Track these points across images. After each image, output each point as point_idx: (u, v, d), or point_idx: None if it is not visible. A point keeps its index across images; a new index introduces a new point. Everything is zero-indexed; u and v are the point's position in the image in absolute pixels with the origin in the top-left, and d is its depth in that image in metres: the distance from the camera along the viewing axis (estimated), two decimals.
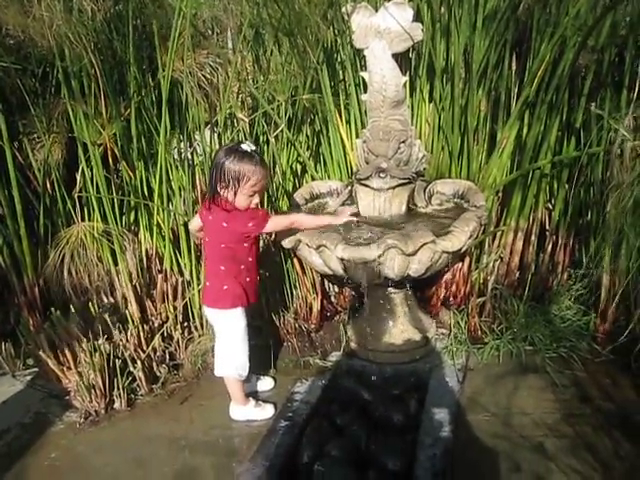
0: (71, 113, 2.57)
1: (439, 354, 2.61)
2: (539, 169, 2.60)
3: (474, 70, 2.50)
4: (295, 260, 2.79)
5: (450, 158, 2.73)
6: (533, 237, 2.78)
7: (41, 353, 2.58)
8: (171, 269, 2.79)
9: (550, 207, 2.84)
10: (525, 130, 2.67)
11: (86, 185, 2.71)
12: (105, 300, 2.65)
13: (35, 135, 2.76)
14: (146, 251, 2.83)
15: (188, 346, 2.68)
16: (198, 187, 2.69)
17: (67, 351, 2.54)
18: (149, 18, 2.58)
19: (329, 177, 2.88)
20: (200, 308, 2.72)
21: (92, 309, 2.62)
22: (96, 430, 2.36)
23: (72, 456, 2.21)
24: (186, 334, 2.72)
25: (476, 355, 2.57)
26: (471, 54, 2.51)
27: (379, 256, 2.11)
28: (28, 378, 2.76)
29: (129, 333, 2.57)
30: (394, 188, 2.53)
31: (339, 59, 2.78)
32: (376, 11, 2.43)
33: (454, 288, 2.81)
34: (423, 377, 2.48)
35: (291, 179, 2.91)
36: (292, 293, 2.89)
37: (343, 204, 2.68)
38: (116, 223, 2.71)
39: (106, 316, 2.57)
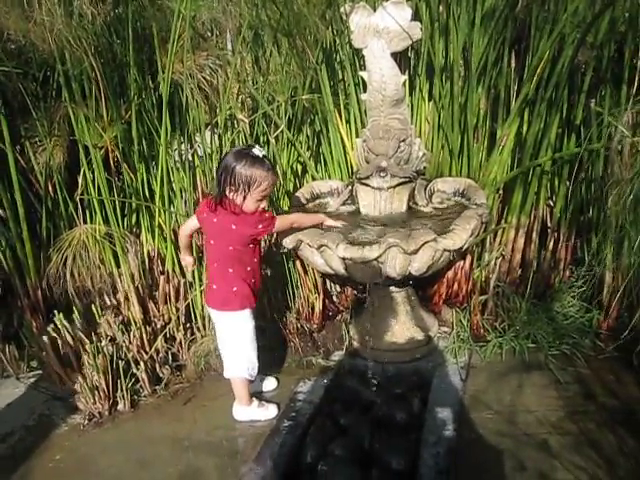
0: (72, 116, 2.57)
1: (442, 352, 2.62)
2: (539, 166, 2.60)
3: (473, 68, 2.50)
4: (297, 260, 2.79)
5: (450, 156, 2.73)
6: (534, 234, 2.77)
7: (44, 355, 2.60)
8: (173, 270, 2.79)
9: (551, 204, 2.83)
10: (525, 127, 2.66)
11: (88, 188, 2.72)
12: (108, 302, 2.65)
13: (37, 138, 2.77)
14: (148, 253, 2.84)
15: (191, 347, 2.68)
16: (199, 188, 2.70)
17: (70, 353, 2.55)
18: (148, 21, 2.59)
19: (329, 177, 2.89)
20: (202, 309, 2.73)
21: (95, 311, 2.62)
22: (100, 431, 2.37)
23: (76, 458, 2.22)
24: (188, 335, 2.72)
25: (479, 353, 2.57)
26: (470, 52, 2.51)
27: (380, 255, 2.11)
28: (32, 380, 2.77)
29: (132, 335, 2.58)
30: (394, 187, 2.53)
31: (338, 59, 2.78)
32: (374, 11, 2.44)
33: (456, 286, 2.81)
34: (426, 376, 2.48)
35: (292, 179, 2.91)
36: (294, 293, 2.89)
37: (344, 203, 2.69)
38: (118, 225, 2.72)
39: (109, 318, 2.57)
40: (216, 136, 2.69)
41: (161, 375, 2.62)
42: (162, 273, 2.78)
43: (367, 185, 2.56)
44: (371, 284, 2.47)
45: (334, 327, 2.89)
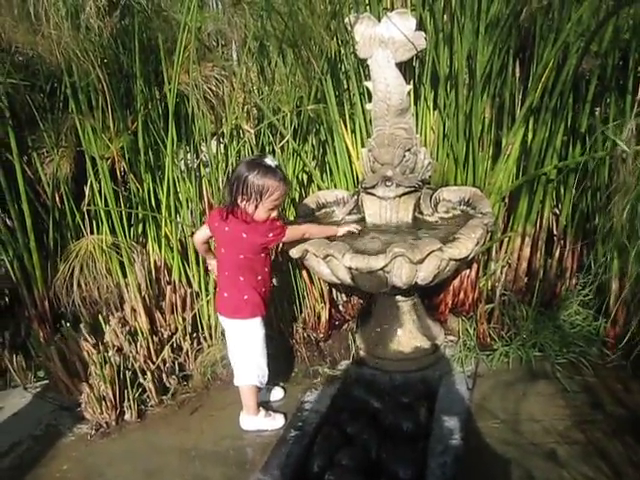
0: (79, 127, 2.60)
1: (448, 361, 2.61)
2: (545, 174, 2.60)
3: (478, 77, 2.51)
4: (303, 270, 2.80)
5: (456, 165, 2.74)
6: (540, 243, 2.77)
7: (52, 365, 2.60)
8: (179, 280, 2.80)
9: (557, 212, 2.83)
10: (530, 135, 2.66)
11: (95, 198, 2.74)
12: (115, 312, 2.66)
13: (44, 150, 2.79)
14: (154, 263, 2.84)
15: (197, 357, 2.69)
16: (205, 198, 2.71)
17: (77, 363, 2.56)
18: (155, 32, 2.61)
19: (335, 186, 2.89)
20: (209, 319, 2.74)
21: (102, 321, 2.63)
22: (107, 441, 2.37)
23: (83, 468, 2.23)
24: (195, 345, 2.73)
25: (485, 362, 2.56)
26: (475, 61, 2.51)
27: (386, 265, 2.11)
28: (39, 390, 2.78)
29: (139, 345, 2.59)
30: (400, 196, 2.54)
31: (343, 69, 2.79)
32: (379, 21, 2.45)
33: (462, 295, 2.81)
34: (432, 385, 2.47)
35: (297, 189, 2.92)
36: (300, 303, 2.89)
37: (349, 213, 2.69)
38: (124, 235, 2.74)
39: (116, 328, 2.58)
40: (222, 146, 2.70)
41: (168, 385, 2.63)
42: (169, 283, 2.79)
43: (373, 194, 2.56)
44: (377, 293, 2.46)
45: (340, 336, 2.88)
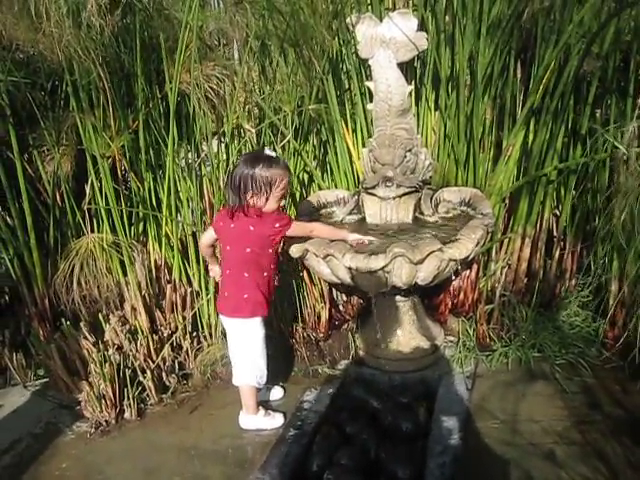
0: (80, 126, 2.59)
1: (447, 362, 2.61)
2: (545, 176, 2.60)
3: (479, 78, 2.51)
4: (303, 269, 2.80)
5: (456, 166, 2.74)
6: (540, 244, 2.78)
7: (52, 363, 2.61)
8: (180, 279, 2.80)
9: (557, 213, 2.84)
10: (531, 137, 2.67)
11: (95, 197, 2.74)
12: (115, 311, 2.66)
13: (45, 148, 2.79)
14: (155, 262, 2.85)
15: (197, 356, 2.69)
16: (206, 197, 2.71)
17: (77, 361, 2.56)
18: (156, 31, 2.61)
19: (336, 186, 2.89)
20: (209, 318, 2.74)
21: (102, 320, 2.63)
22: (106, 440, 2.37)
23: (83, 466, 2.23)
24: (195, 344, 2.73)
25: (485, 362, 2.57)
26: (476, 62, 2.52)
27: (386, 265, 2.12)
28: (39, 388, 2.78)
29: (139, 343, 2.59)
30: (400, 197, 2.55)
31: (344, 69, 2.79)
32: (381, 21, 2.45)
33: (462, 295, 2.82)
34: (432, 385, 2.48)
35: (298, 188, 2.92)
36: (300, 302, 2.90)
37: (350, 213, 2.70)
38: (125, 234, 2.74)
39: (116, 326, 2.58)
40: (223, 145, 2.70)
41: (168, 384, 2.63)
42: (169, 282, 2.79)
43: (373, 195, 2.57)
44: (377, 293, 2.47)
45: (340, 336, 2.89)
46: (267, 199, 2.09)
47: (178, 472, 2.13)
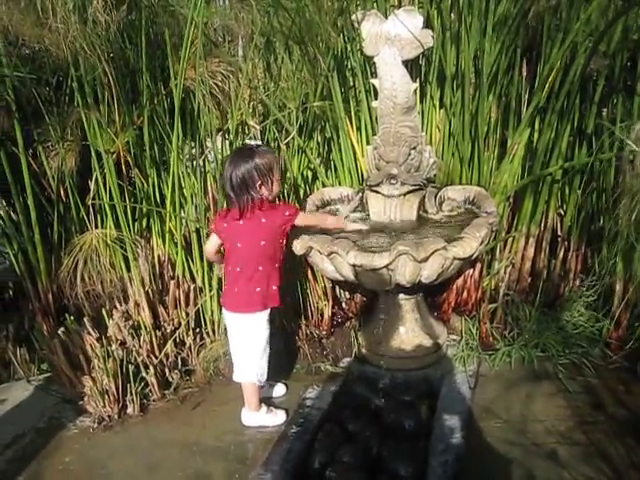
0: (85, 121, 2.60)
1: (450, 360, 2.61)
2: (550, 175, 2.59)
3: (484, 76, 2.50)
4: (307, 267, 2.80)
5: (461, 164, 2.73)
6: (545, 243, 2.77)
7: (55, 358, 2.61)
8: (183, 275, 2.80)
9: (562, 213, 2.82)
10: (536, 136, 2.66)
11: (99, 192, 2.74)
12: (118, 306, 2.67)
13: (50, 143, 2.79)
14: (158, 257, 2.85)
15: (200, 352, 2.70)
16: (210, 194, 2.71)
17: (81, 356, 2.57)
18: (161, 27, 2.61)
19: (340, 183, 2.89)
20: (212, 314, 2.74)
21: (105, 315, 2.64)
22: (109, 435, 2.38)
23: (86, 461, 2.24)
24: (198, 340, 2.73)
25: (487, 361, 2.56)
26: (481, 60, 2.51)
27: (391, 263, 2.11)
28: (42, 383, 2.79)
29: (142, 339, 2.59)
30: (405, 194, 2.54)
31: (349, 66, 2.79)
32: (386, 18, 2.45)
33: (465, 294, 2.80)
34: (434, 383, 2.48)
35: (302, 185, 2.92)
36: (303, 299, 2.89)
37: (354, 210, 2.69)
38: (129, 230, 2.74)
39: (119, 322, 2.59)
40: (227, 142, 2.70)
41: (170, 380, 2.63)
42: (172, 278, 2.79)
43: (377, 192, 2.56)
44: (381, 291, 2.47)
45: (343, 334, 2.88)
46: (272, 183, 2.15)
47: (180, 468, 2.13)
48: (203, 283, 2.76)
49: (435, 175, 2.72)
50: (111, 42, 2.50)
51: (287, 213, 2.17)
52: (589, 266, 2.79)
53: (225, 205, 2.39)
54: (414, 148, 2.52)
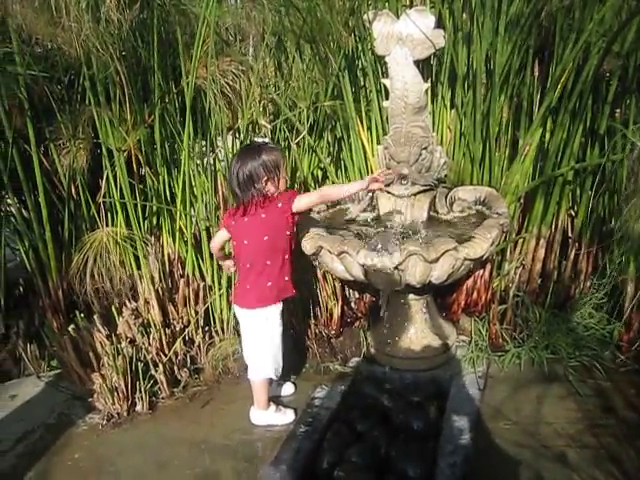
0: (97, 120, 2.61)
1: (459, 361, 2.60)
2: (562, 176, 2.58)
3: (496, 76, 2.49)
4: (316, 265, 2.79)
5: (472, 164, 2.72)
6: (555, 244, 2.75)
7: (65, 355, 2.63)
8: (193, 274, 2.81)
9: (573, 214, 2.81)
10: (548, 136, 2.64)
11: (110, 190, 2.75)
12: (128, 304, 2.68)
13: (61, 141, 2.80)
14: (168, 256, 2.86)
15: (209, 350, 2.70)
16: (220, 192, 2.72)
17: (91, 353, 2.58)
18: (173, 26, 2.61)
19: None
20: (221, 313, 2.75)
21: (115, 312, 2.65)
22: (118, 432, 2.39)
23: (95, 457, 2.25)
24: (207, 338, 2.74)
25: (497, 363, 2.56)
26: (493, 60, 2.50)
27: (401, 263, 2.11)
28: (52, 379, 2.81)
29: (151, 337, 2.60)
30: (415, 194, 2.54)
31: (360, 66, 2.78)
32: (398, 18, 2.44)
33: (475, 295, 2.79)
34: (443, 384, 2.47)
35: (312, 185, 2.92)
36: (313, 299, 2.89)
37: (364, 210, 2.69)
38: (139, 228, 2.75)
39: (129, 319, 2.60)
40: (238, 141, 2.70)
41: (179, 378, 2.64)
42: (182, 276, 2.80)
43: (388, 192, 2.56)
44: (390, 291, 2.46)
45: (352, 333, 2.89)
46: (278, 180, 2.15)
47: (188, 466, 2.14)
48: (213, 281, 2.76)
49: (446, 175, 2.71)
50: (123, 41, 2.52)
51: (280, 204, 2.15)
52: (600, 267, 2.77)
53: (233, 203, 2.39)
54: (425, 148, 2.51)
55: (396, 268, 2.13)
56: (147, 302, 2.70)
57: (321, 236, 2.32)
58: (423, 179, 2.51)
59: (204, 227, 2.73)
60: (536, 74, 2.66)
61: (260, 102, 2.73)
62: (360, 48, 2.71)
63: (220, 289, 2.73)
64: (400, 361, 2.57)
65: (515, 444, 2.06)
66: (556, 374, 2.45)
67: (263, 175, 2.10)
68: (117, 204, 2.75)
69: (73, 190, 2.97)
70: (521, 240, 2.75)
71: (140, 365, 2.49)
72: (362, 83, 2.82)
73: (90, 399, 2.53)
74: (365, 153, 2.81)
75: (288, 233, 2.20)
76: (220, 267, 2.66)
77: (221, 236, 2.32)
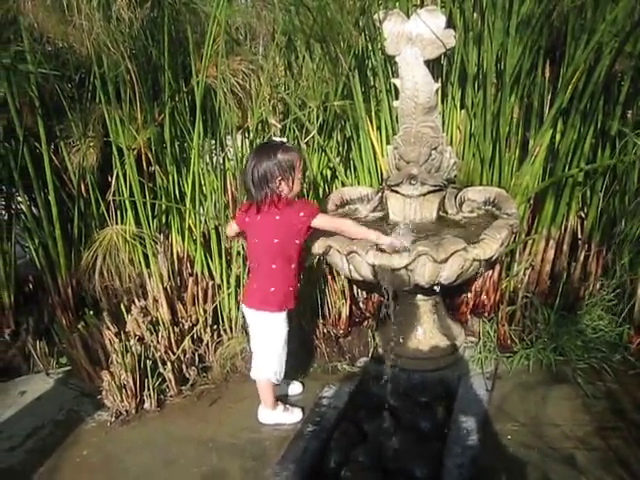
0: (107, 118, 2.62)
1: (468, 362, 2.60)
2: (572, 177, 2.57)
3: (507, 77, 2.48)
4: (325, 266, 2.80)
5: (481, 165, 2.71)
6: (565, 246, 2.74)
7: (74, 352, 2.64)
8: (202, 272, 2.82)
9: (583, 215, 2.80)
10: (558, 137, 2.63)
11: (120, 188, 2.76)
12: (137, 302, 2.69)
13: (71, 139, 2.82)
14: (177, 254, 2.87)
15: (217, 349, 2.71)
16: (229, 191, 2.72)
17: (100, 351, 2.60)
18: (183, 25, 2.62)
19: (359, 183, 2.88)
20: (230, 311, 2.75)
21: (124, 310, 2.66)
22: (126, 429, 2.41)
23: (103, 454, 2.26)
24: (215, 337, 2.74)
25: (505, 364, 2.55)
26: (504, 60, 2.49)
27: (410, 263, 2.11)
28: (61, 376, 2.83)
29: (160, 335, 2.61)
30: (425, 195, 2.53)
31: (370, 65, 2.78)
32: (408, 18, 2.43)
33: (484, 296, 2.79)
34: (451, 385, 2.47)
35: (321, 184, 2.92)
36: (321, 298, 2.89)
37: (373, 210, 2.68)
38: (148, 226, 2.76)
39: (138, 317, 2.61)
40: (247, 140, 2.71)
41: (187, 376, 2.65)
42: (191, 275, 2.81)
43: (397, 192, 2.55)
44: (399, 292, 2.46)
45: (360, 333, 2.88)
46: (292, 181, 2.12)
47: (196, 464, 2.14)
48: (221, 280, 2.77)
49: (455, 176, 2.70)
50: (134, 39, 2.53)
51: (302, 214, 2.11)
52: (610, 269, 2.76)
53: (245, 200, 2.39)
54: (435, 148, 2.50)
55: (405, 268, 2.13)
56: (156, 300, 2.71)
57: (330, 235, 2.31)
58: (433, 179, 2.51)
59: (213, 226, 2.73)
60: (547, 75, 2.65)
61: (270, 101, 2.73)
62: (370, 48, 2.71)
63: (229, 288, 2.73)
64: (408, 361, 2.56)
65: (523, 445, 2.05)
66: (565, 376, 2.44)
67: (277, 175, 2.08)
68: (127, 202, 2.76)
69: (83, 188, 2.98)
70: (530, 241, 2.74)
71: (149, 363, 2.50)
72: (372, 83, 2.81)
73: (99, 396, 2.53)
74: (375, 153, 2.80)
75: (298, 242, 2.17)
76: (229, 266, 2.66)
77: (234, 227, 2.32)
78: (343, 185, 2.88)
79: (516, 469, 1.95)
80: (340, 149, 2.92)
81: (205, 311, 2.75)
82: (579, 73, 2.38)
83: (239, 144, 2.72)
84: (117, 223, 2.81)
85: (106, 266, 2.60)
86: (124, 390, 2.45)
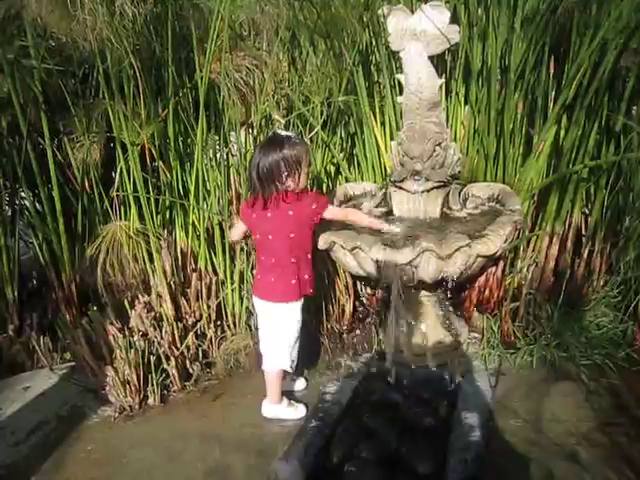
0: (110, 113, 2.61)
1: (471, 358, 2.60)
2: (576, 173, 2.56)
3: (511, 72, 2.47)
4: (329, 261, 2.79)
5: (485, 161, 2.71)
6: (569, 242, 2.74)
7: (78, 348, 2.65)
8: (205, 268, 2.82)
9: (587, 212, 2.79)
10: (562, 133, 2.62)
11: (123, 184, 2.76)
12: (140, 297, 2.69)
13: (75, 135, 2.82)
14: (181, 250, 2.87)
15: (221, 344, 2.71)
16: (233, 187, 2.72)
17: (103, 346, 2.60)
18: (187, 20, 2.61)
19: (363, 179, 2.88)
20: (233, 307, 2.75)
21: (127, 306, 2.66)
22: (130, 425, 2.41)
23: (107, 449, 2.27)
24: (219, 333, 2.75)
25: (509, 360, 2.54)
26: (508, 56, 2.48)
27: (414, 259, 2.11)
28: (65, 372, 2.83)
29: (163, 330, 2.61)
30: (429, 191, 2.52)
31: (374, 61, 2.77)
32: (412, 13, 2.42)
33: (487, 292, 2.78)
34: (455, 381, 2.46)
35: (325, 180, 2.92)
36: (325, 294, 2.89)
37: (377, 206, 2.68)
38: (152, 222, 2.76)
39: (141, 313, 2.61)
40: (251, 136, 2.71)
41: (191, 371, 2.66)
42: (194, 270, 2.81)
43: (401, 188, 2.55)
44: (403, 287, 2.45)
45: (364, 329, 2.88)
46: (299, 176, 2.12)
47: (200, 459, 2.15)
48: (225, 276, 2.77)
49: (459, 172, 2.69)
50: (137, 35, 2.52)
51: (314, 206, 2.14)
52: (613, 266, 2.75)
53: (249, 194, 2.38)
54: (439, 144, 2.50)
55: (409, 264, 2.13)
56: (159, 296, 2.71)
57: (334, 231, 2.31)
58: (437, 175, 2.50)
59: (217, 222, 2.73)
60: (551, 71, 2.64)
61: (274, 97, 2.72)
62: (374, 43, 2.70)
63: (232, 284, 2.73)
64: (412, 357, 2.56)
65: (526, 441, 2.05)
66: (568, 372, 2.43)
67: (283, 170, 2.08)
68: (130, 198, 2.76)
69: (87, 184, 2.98)
70: (534, 238, 2.73)
71: (152, 358, 2.50)
72: (376, 78, 2.81)
73: (103, 392, 2.54)
74: (378, 149, 2.80)
75: (310, 232, 2.21)
76: (233, 261, 2.66)
77: (240, 228, 2.32)
78: (347, 181, 2.88)
79: (520, 465, 1.95)
80: (344, 145, 2.92)
81: (209, 307, 2.75)
82: (584, 69, 2.37)
83: (243, 140, 2.71)
84: (121, 219, 2.81)
85: (110, 262, 2.60)
86: (128, 386, 2.46)
